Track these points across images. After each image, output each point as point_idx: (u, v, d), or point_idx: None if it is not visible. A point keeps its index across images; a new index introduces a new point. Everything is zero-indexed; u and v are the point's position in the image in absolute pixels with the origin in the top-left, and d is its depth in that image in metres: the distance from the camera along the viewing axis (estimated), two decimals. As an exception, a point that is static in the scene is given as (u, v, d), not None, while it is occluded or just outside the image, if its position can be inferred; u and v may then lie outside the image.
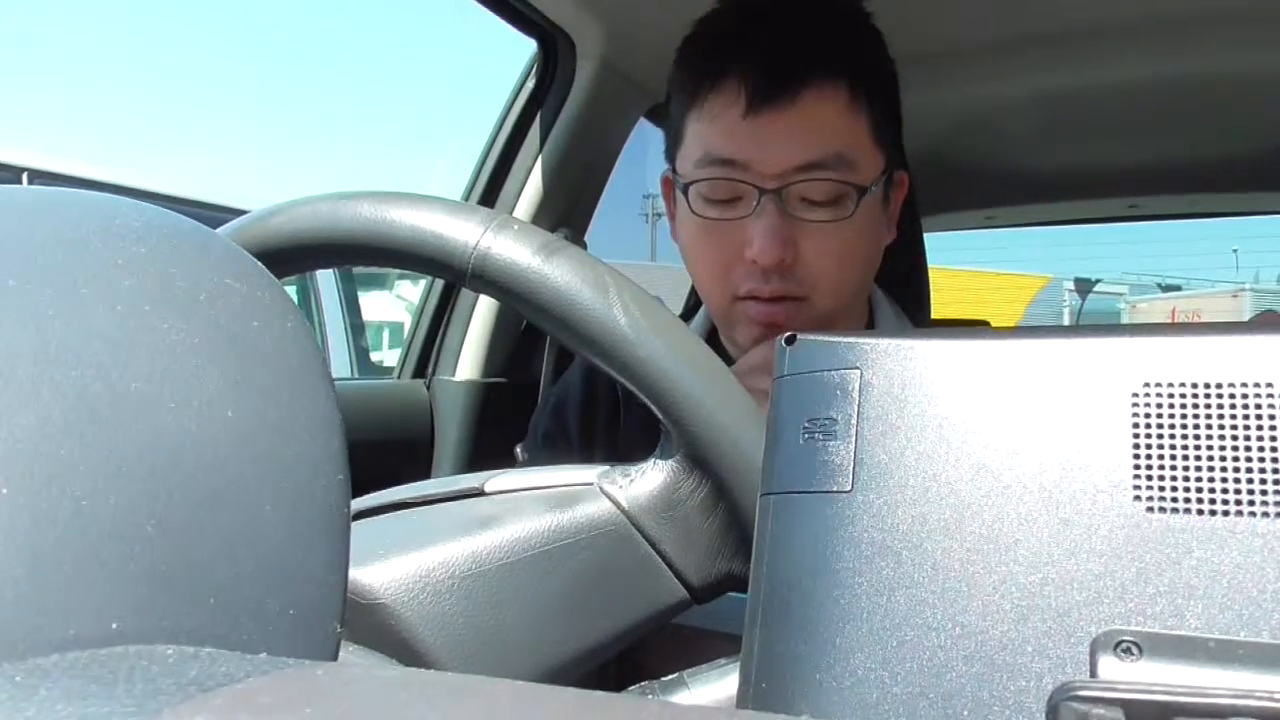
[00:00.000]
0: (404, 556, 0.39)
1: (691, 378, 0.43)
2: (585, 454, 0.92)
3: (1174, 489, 0.25)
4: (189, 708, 0.15)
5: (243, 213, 0.49)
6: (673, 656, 0.46)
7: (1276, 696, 0.21)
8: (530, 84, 1.32)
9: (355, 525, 0.30)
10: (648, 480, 0.44)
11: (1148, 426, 0.26)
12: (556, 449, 0.94)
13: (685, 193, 0.83)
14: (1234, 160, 1.73)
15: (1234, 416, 0.25)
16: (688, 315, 1.04)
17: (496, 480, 0.46)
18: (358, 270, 3.30)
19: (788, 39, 0.80)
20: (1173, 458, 0.25)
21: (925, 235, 1.17)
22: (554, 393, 1.01)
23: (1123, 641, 0.23)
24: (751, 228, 0.80)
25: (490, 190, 1.35)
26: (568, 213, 1.36)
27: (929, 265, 1.15)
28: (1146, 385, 0.26)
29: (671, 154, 0.87)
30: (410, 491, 0.46)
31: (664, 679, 0.44)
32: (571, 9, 1.21)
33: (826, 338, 0.30)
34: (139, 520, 0.19)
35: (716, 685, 0.44)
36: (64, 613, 0.18)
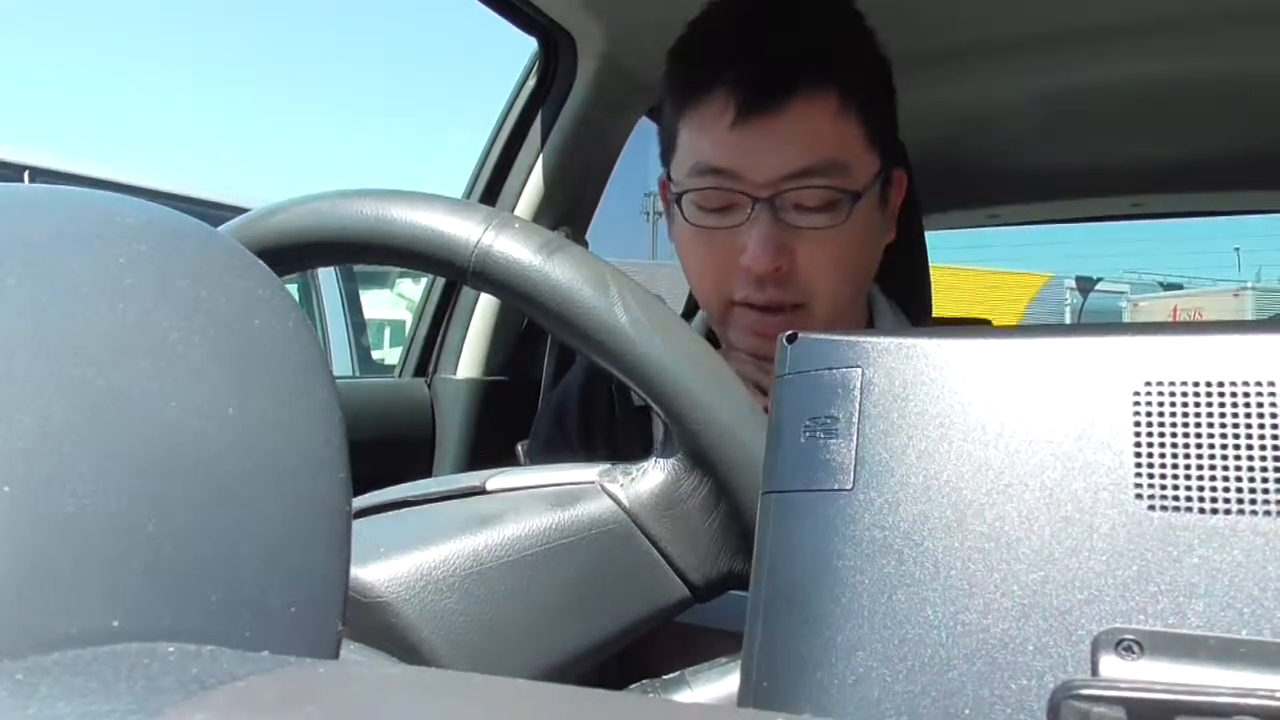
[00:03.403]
0: (405, 555, 0.39)
1: (692, 376, 0.43)
2: (586, 457, 0.92)
3: (1175, 487, 0.25)
4: (190, 706, 0.15)
5: (244, 210, 0.49)
6: (674, 655, 0.46)
7: (1277, 695, 0.21)
8: (531, 82, 1.32)
9: (356, 523, 0.30)
10: (649, 478, 0.44)
11: (1149, 425, 0.26)
12: (558, 455, 0.94)
13: (679, 201, 0.83)
14: (1235, 159, 1.73)
15: (1235, 415, 0.25)
16: (688, 315, 1.04)
17: (498, 479, 0.46)
18: (359, 268, 3.30)
19: (776, 46, 0.79)
20: (1174, 456, 0.25)
21: (926, 233, 1.17)
22: (554, 398, 1.01)
23: (1124, 640, 0.23)
24: (746, 235, 0.79)
25: (491, 188, 1.35)
26: (569, 211, 1.36)
27: (930, 264, 1.15)
28: (1148, 384, 0.26)
29: (666, 159, 0.87)
30: (411, 490, 0.46)
31: (665, 677, 0.44)
32: (572, 7, 1.21)
33: (828, 336, 0.30)
34: (140, 518, 0.19)
35: (718, 683, 0.44)
36: (65, 611, 0.18)
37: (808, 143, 0.78)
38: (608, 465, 0.46)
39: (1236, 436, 0.25)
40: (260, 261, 0.26)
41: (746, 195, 0.79)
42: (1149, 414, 0.26)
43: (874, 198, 0.83)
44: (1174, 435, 0.25)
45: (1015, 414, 0.27)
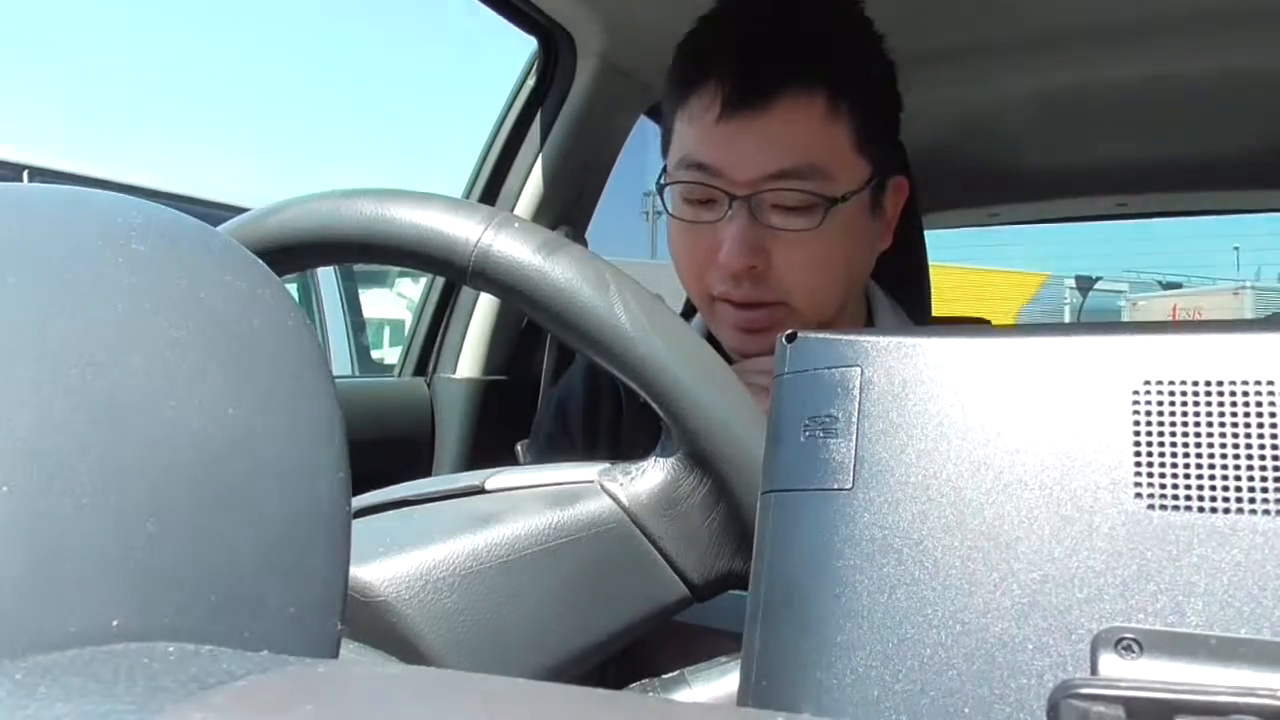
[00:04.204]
0: (405, 554, 0.39)
1: (692, 376, 0.43)
2: (589, 455, 0.92)
3: (1175, 486, 0.25)
4: (190, 705, 0.15)
5: (244, 210, 0.49)
6: (674, 654, 0.46)
7: (1277, 694, 0.21)
8: (531, 82, 1.32)
9: (356, 523, 0.30)
10: (648, 478, 0.44)
11: (1148, 424, 0.26)
12: (560, 451, 0.94)
13: (662, 192, 0.84)
14: (1234, 158, 1.73)
15: (1234, 414, 0.25)
16: (688, 314, 1.04)
17: (497, 478, 0.46)
18: (358, 268, 3.30)
19: (767, 44, 0.79)
20: (1173, 455, 0.25)
21: (926, 233, 1.17)
22: (556, 394, 1.01)
23: (1124, 639, 0.23)
24: (723, 232, 0.80)
25: (491, 188, 1.35)
26: (568, 210, 1.36)
27: (930, 263, 1.15)
28: (1147, 383, 0.26)
29: (664, 152, 0.88)
30: (411, 489, 0.46)
31: (665, 676, 0.44)
32: (572, 7, 1.21)
33: (827, 335, 0.30)
34: (139, 518, 0.19)
35: (717, 683, 0.44)
36: (64, 610, 0.18)
37: (790, 144, 0.78)
38: (607, 464, 0.46)
39: (1236, 436, 0.25)
40: (260, 261, 0.26)
41: (725, 193, 0.79)
42: (1148, 413, 0.26)
43: (862, 203, 0.82)
44: (1174, 435, 0.25)
45: (1015, 413, 0.27)
